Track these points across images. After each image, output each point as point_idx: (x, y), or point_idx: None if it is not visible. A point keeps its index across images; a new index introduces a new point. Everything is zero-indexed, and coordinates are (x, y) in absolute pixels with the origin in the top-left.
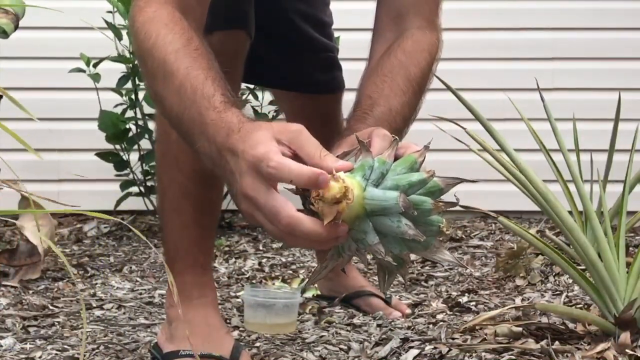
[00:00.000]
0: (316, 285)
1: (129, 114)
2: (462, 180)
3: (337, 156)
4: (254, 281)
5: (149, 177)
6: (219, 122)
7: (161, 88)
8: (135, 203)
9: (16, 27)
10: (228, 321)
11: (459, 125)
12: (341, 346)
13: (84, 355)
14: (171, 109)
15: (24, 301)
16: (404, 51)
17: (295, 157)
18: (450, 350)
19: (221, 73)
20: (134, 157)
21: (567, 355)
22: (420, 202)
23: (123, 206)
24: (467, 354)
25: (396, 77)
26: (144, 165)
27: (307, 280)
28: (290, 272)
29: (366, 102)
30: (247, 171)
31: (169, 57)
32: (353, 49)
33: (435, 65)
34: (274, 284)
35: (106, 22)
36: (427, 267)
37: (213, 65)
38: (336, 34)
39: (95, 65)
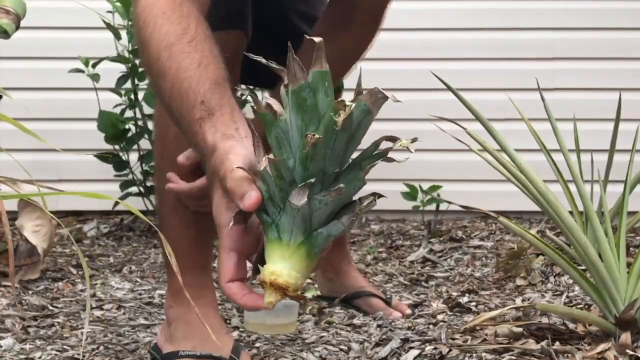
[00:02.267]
0: (316, 285)
1: (129, 114)
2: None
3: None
4: (254, 281)
5: (149, 177)
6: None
7: (157, 85)
8: (134, 203)
9: (17, 28)
10: (228, 321)
11: (459, 125)
12: (341, 347)
13: (83, 356)
14: (170, 110)
15: (23, 301)
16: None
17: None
18: (450, 350)
19: (217, 60)
20: (133, 157)
21: (567, 356)
22: (313, 107)
23: (123, 206)
24: (468, 355)
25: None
26: (143, 165)
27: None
28: None
29: None
30: None
31: (162, 54)
32: None
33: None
34: None
35: (105, 22)
36: (427, 268)
37: (205, 57)
38: None
39: (94, 66)
